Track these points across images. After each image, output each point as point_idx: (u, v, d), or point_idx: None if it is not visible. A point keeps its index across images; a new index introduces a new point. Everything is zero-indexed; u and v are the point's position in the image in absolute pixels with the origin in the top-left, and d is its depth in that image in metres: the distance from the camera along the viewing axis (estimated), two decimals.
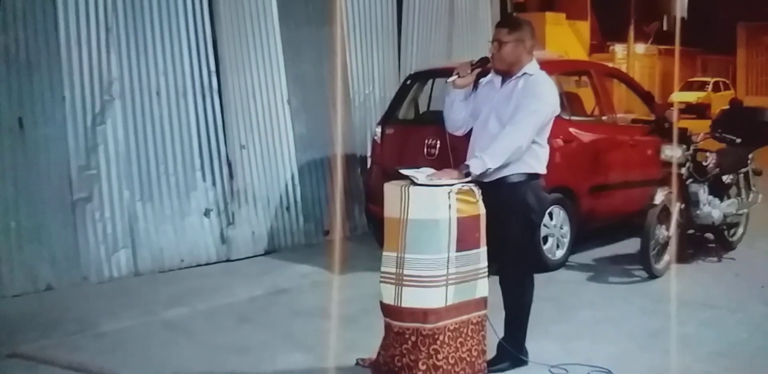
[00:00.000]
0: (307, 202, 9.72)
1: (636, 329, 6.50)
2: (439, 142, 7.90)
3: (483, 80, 5.59)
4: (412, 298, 5.07)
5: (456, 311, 5.12)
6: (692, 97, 37.20)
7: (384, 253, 5.19)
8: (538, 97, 5.33)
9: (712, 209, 8.59)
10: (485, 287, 5.26)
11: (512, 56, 5.39)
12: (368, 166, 10.00)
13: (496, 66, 5.46)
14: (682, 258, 8.45)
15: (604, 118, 9.54)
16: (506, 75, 5.46)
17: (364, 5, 10.64)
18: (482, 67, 5.50)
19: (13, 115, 7.53)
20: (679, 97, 32.08)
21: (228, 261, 8.88)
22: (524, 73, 5.40)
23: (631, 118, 10.15)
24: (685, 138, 8.35)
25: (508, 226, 5.37)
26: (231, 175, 8.96)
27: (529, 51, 5.45)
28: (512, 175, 5.34)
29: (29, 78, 7.61)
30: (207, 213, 8.75)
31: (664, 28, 37.98)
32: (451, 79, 5.51)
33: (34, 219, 7.63)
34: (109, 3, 8.06)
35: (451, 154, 5.73)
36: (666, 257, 8.12)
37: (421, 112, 9.69)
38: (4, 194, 7.48)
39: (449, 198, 5.00)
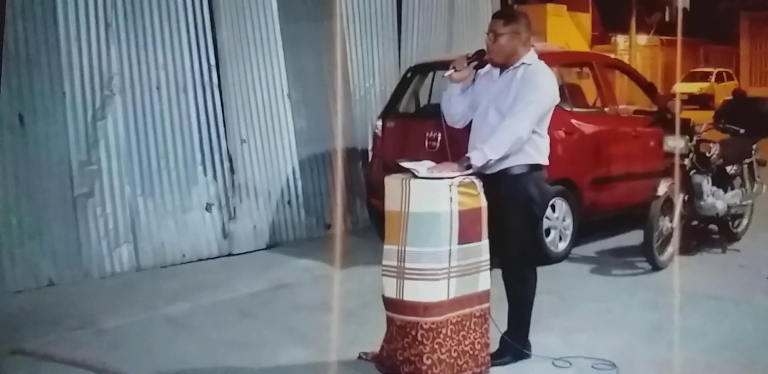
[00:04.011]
0: (308, 196, 9.70)
1: (639, 321, 6.48)
2: (440, 134, 7.86)
3: (481, 71, 5.56)
4: (414, 291, 5.06)
5: (459, 304, 5.11)
6: (695, 87, 37.13)
7: (385, 246, 5.18)
8: (537, 86, 5.29)
9: (716, 200, 8.55)
10: (487, 280, 5.24)
11: (508, 48, 5.35)
12: (369, 159, 9.99)
13: (492, 58, 5.43)
14: (686, 249, 8.43)
15: (606, 109, 9.50)
16: (504, 66, 5.43)
17: None
18: (479, 60, 5.48)
19: (13, 111, 7.51)
20: (681, 87, 32.00)
21: (230, 255, 8.86)
22: (522, 63, 5.37)
23: (633, 110, 10.12)
24: (688, 129, 8.31)
25: (510, 219, 5.34)
26: (232, 170, 8.94)
27: (525, 42, 5.41)
28: (514, 166, 5.31)
29: (29, 74, 7.59)
30: (208, 207, 8.73)
31: (666, 18, 37.99)
32: (447, 73, 5.49)
33: (35, 215, 7.61)
34: None
35: (452, 147, 5.69)
36: (669, 249, 8.09)
37: (421, 105, 9.66)
38: (5, 190, 7.46)
39: (450, 191, 4.98)
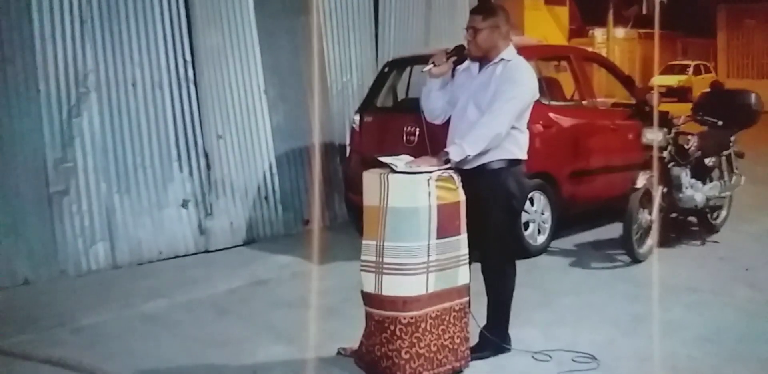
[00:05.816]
0: (285, 192, 9.65)
1: (619, 314, 6.48)
2: (418, 129, 7.85)
3: (460, 67, 5.55)
4: (393, 286, 5.04)
5: (438, 298, 5.10)
6: (673, 80, 37.20)
7: (364, 242, 5.16)
8: (516, 83, 5.28)
9: (695, 192, 8.57)
10: (467, 274, 5.23)
11: (488, 42, 5.34)
12: (347, 154, 9.94)
13: (472, 53, 5.42)
14: (666, 242, 8.45)
15: (584, 102, 9.51)
16: (483, 61, 5.41)
17: None
18: (458, 55, 5.47)
19: None
20: (659, 80, 32.10)
21: (207, 252, 8.80)
22: (501, 59, 5.35)
23: (611, 103, 10.13)
24: (666, 121, 8.33)
25: (490, 213, 5.33)
26: (208, 166, 8.88)
27: (505, 37, 5.41)
28: (493, 161, 5.31)
29: (3, 71, 7.51)
30: (185, 204, 8.67)
31: (644, 11, 38.03)
32: (426, 68, 5.48)
33: (10, 213, 7.54)
34: None
35: (430, 141, 5.67)
36: (649, 241, 8.10)
37: (399, 100, 9.62)
38: None
39: (429, 185, 4.97)
